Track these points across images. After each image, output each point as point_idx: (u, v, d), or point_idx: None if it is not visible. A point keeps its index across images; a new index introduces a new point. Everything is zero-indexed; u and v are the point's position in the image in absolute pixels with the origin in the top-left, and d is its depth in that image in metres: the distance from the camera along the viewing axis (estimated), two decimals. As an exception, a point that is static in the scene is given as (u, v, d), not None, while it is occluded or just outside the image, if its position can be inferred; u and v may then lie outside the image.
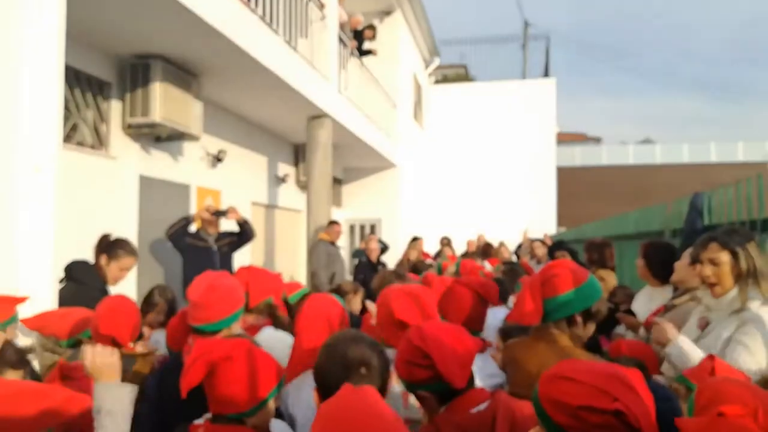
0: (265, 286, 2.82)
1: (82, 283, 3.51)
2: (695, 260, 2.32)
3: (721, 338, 2.16)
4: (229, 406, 1.57)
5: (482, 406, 1.61)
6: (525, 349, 2.01)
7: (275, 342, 2.45)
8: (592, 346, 2.91)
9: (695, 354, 2.09)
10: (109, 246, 3.66)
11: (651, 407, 1.22)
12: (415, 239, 8.82)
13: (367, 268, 7.66)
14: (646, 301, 3.26)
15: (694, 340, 2.22)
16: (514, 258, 9.54)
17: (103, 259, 3.63)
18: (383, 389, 1.61)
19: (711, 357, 1.72)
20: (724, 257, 2.18)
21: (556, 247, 6.14)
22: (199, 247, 5.59)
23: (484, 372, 2.23)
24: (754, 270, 2.15)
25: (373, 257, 7.91)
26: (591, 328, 2.03)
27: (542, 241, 8.34)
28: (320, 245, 7.13)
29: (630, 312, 3.15)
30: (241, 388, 1.57)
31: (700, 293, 2.39)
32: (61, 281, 3.51)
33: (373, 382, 1.54)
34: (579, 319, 1.98)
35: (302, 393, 2.03)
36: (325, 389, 1.56)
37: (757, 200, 3.25)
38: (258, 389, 1.57)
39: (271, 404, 1.64)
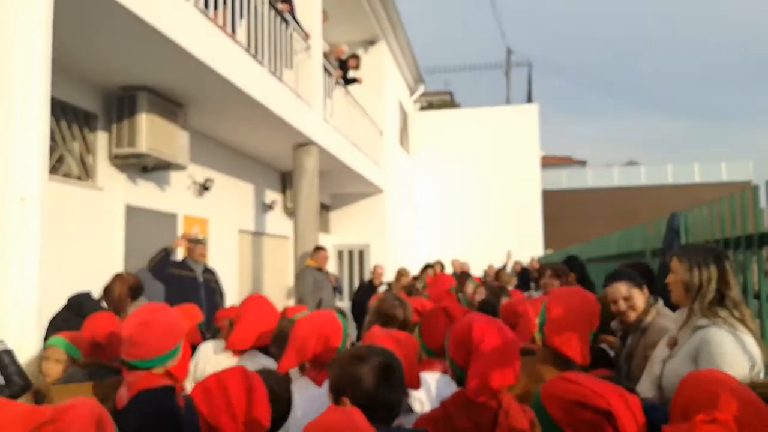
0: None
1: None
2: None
3: (687, 357, 2.05)
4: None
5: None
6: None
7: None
8: (599, 355, 2.98)
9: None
10: (134, 290, 3.90)
11: (641, 426, 1.31)
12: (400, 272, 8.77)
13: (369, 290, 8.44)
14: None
15: (663, 360, 2.16)
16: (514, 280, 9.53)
17: (128, 301, 3.83)
18: None
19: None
20: (680, 270, 2.15)
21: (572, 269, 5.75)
22: (184, 276, 5.46)
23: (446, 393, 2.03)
24: (708, 287, 2.07)
25: (377, 280, 8.90)
26: None
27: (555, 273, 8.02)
28: (307, 271, 7.15)
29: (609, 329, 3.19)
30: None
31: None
32: (60, 311, 3.57)
33: None
34: None
35: None
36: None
37: (730, 219, 3.34)
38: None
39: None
